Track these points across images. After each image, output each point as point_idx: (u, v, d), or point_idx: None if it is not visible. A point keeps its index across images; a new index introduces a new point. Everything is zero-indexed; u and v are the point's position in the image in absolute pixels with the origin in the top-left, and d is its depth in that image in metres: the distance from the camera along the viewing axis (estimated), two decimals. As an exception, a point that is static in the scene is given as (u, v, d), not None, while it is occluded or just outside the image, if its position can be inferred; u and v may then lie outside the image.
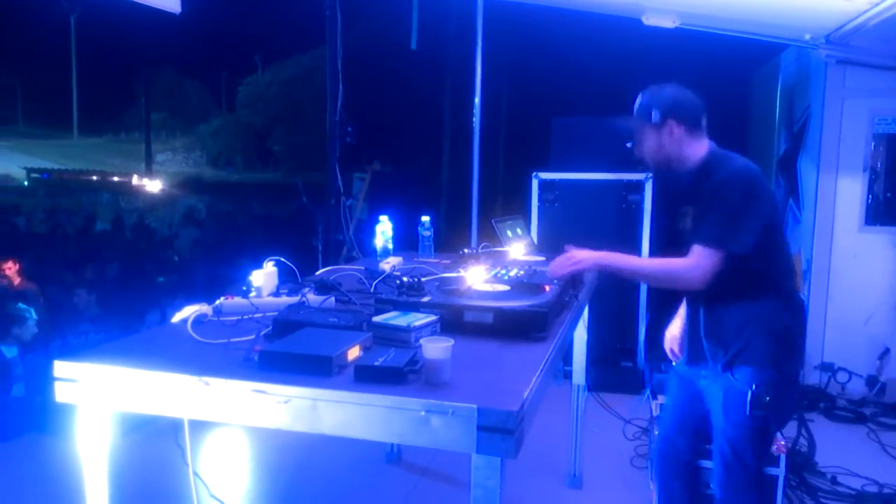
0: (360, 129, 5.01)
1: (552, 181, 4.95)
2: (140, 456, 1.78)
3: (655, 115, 2.14)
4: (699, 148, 2.16)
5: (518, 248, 2.99)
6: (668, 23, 4.46)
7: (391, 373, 1.40)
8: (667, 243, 2.34)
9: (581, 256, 2.21)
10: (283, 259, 2.28)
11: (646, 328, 4.90)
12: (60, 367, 1.56)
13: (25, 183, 26.20)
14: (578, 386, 3.34)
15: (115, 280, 6.76)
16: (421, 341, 1.49)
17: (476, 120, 5.06)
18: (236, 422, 1.45)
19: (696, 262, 2.00)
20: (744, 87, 7.13)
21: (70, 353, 1.60)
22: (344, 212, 4.93)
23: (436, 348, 1.42)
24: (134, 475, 1.65)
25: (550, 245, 2.88)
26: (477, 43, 4.97)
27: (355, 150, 5.14)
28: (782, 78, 5.75)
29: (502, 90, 14.97)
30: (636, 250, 4.75)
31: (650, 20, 4.46)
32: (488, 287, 2.12)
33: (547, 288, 2.03)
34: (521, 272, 2.38)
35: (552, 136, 5.10)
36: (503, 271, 2.38)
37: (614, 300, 4.82)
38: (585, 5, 4.81)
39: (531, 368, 1.51)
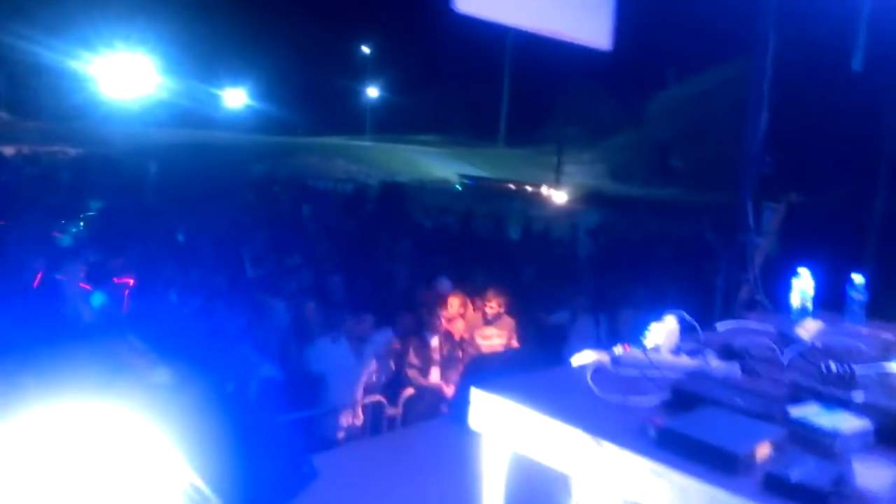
0: (781, 155, 4.49)
1: None
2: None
3: None
4: None
5: None
6: None
7: (811, 494, 1.19)
8: None
9: None
10: (684, 314, 2.17)
11: None
12: (475, 394, 1.73)
13: (458, 187, 30.55)
14: None
15: (524, 287, 7.23)
16: (852, 460, 1.24)
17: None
18: (624, 493, 1.41)
19: None
20: None
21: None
22: (750, 250, 4.49)
23: (874, 475, 1.17)
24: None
25: None
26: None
27: (770, 176, 4.64)
28: None
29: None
30: None
31: None
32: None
33: None
34: None
35: None
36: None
37: None
38: None
39: None
